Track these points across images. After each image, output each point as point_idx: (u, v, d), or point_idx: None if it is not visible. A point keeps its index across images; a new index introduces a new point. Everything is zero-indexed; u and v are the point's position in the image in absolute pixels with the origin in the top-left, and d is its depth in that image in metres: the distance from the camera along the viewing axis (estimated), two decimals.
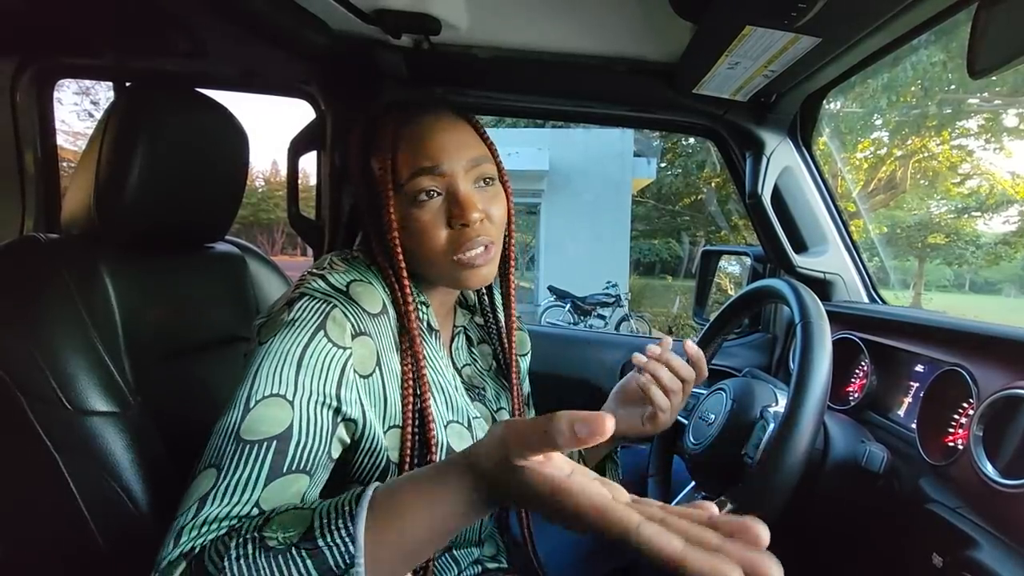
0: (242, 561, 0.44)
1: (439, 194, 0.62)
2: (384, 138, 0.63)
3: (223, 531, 0.48)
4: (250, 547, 0.45)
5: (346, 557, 0.43)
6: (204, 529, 0.47)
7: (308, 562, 0.43)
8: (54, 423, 0.66)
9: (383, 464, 0.62)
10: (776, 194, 1.19)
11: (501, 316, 0.79)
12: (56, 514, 0.68)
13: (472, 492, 0.44)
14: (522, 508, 0.50)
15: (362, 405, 0.59)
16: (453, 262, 0.63)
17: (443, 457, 0.64)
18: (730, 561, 0.34)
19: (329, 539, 0.44)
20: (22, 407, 0.66)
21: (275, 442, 0.51)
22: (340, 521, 0.44)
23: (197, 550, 0.46)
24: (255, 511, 0.50)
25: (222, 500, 0.49)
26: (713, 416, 0.80)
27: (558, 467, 0.42)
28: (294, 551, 0.44)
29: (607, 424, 0.37)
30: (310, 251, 1.34)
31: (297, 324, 0.56)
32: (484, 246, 0.63)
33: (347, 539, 0.43)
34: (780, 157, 1.17)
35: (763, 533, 0.35)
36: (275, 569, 0.43)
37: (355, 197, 0.70)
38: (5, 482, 0.70)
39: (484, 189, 0.64)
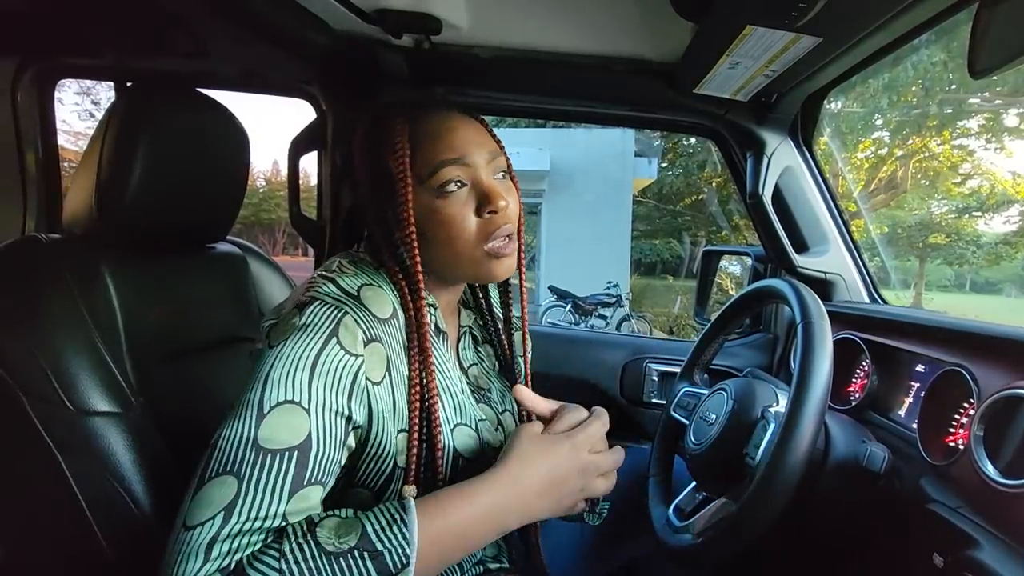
0: (302, 563, 0.46)
1: (464, 184, 0.63)
2: (398, 136, 0.62)
3: (257, 546, 0.47)
4: (307, 550, 0.47)
5: (403, 558, 0.48)
6: (238, 543, 0.47)
7: (369, 563, 0.47)
8: (56, 423, 0.66)
9: (389, 469, 0.62)
10: (777, 194, 1.19)
11: (501, 315, 0.79)
12: (58, 514, 0.68)
13: (510, 486, 0.56)
14: (551, 486, 0.58)
15: (370, 411, 0.58)
16: (483, 252, 0.63)
17: (449, 461, 0.64)
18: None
19: (387, 543, 0.49)
20: (24, 407, 0.66)
21: (296, 453, 0.51)
22: (394, 527, 0.50)
23: (233, 565, 0.46)
24: (283, 523, 0.49)
25: (250, 512, 0.48)
26: (714, 416, 0.80)
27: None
28: (356, 553, 0.47)
29: (518, 391, 0.66)
30: (311, 251, 1.34)
31: (309, 329, 0.55)
32: (509, 235, 0.64)
33: (403, 542, 0.49)
34: (781, 157, 1.17)
35: None
36: (336, 570, 0.46)
37: (360, 198, 0.69)
38: (7, 482, 0.70)
39: (502, 182, 0.66)
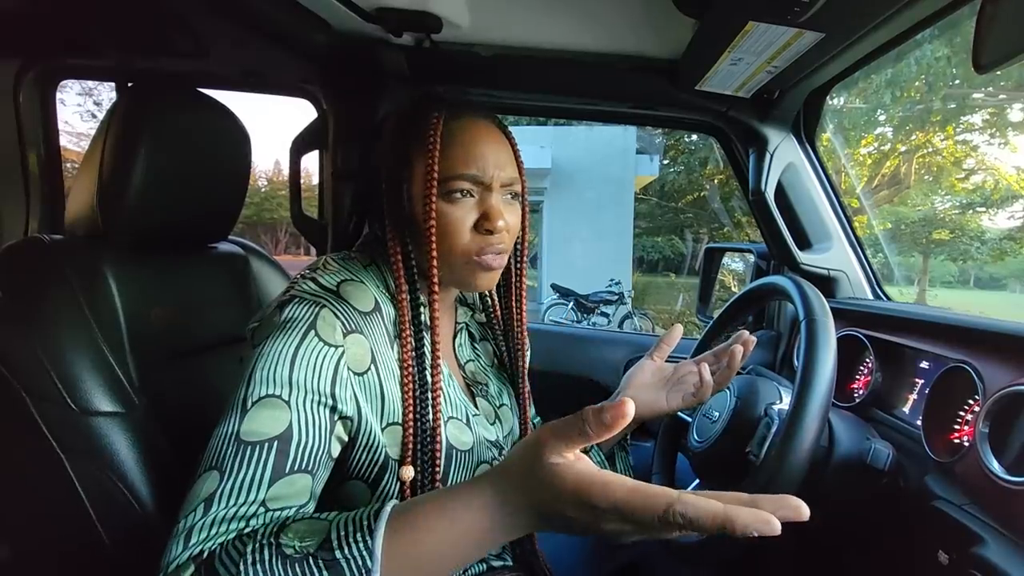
0: (258, 566, 0.45)
1: (472, 196, 0.64)
2: (431, 129, 0.62)
3: (232, 534, 0.48)
4: (266, 552, 0.45)
5: (363, 571, 0.44)
6: (213, 531, 0.48)
7: (324, 573, 0.44)
8: (59, 423, 0.67)
9: (381, 460, 0.62)
10: (780, 191, 1.19)
11: (503, 314, 0.80)
12: (62, 514, 0.68)
13: (495, 507, 0.45)
14: (546, 521, 0.45)
15: (357, 402, 0.59)
16: (472, 262, 0.65)
17: (443, 452, 0.64)
18: (766, 512, 0.36)
19: (347, 551, 0.44)
20: (27, 407, 0.66)
21: (276, 442, 0.52)
22: (358, 534, 0.45)
23: (206, 554, 0.47)
24: (261, 510, 0.50)
25: (228, 500, 0.49)
26: (717, 414, 0.80)
27: (588, 465, 0.43)
28: (311, 560, 0.45)
29: (628, 407, 0.39)
30: (313, 250, 1.34)
31: (288, 326, 0.56)
32: (500, 252, 0.66)
33: (365, 553, 0.44)
34: (783, 153, 1.16)
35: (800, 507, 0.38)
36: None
37: (384, 183, 0.67)
38: (11, 482, 0.71)
39: (510, 203, 0.68)
